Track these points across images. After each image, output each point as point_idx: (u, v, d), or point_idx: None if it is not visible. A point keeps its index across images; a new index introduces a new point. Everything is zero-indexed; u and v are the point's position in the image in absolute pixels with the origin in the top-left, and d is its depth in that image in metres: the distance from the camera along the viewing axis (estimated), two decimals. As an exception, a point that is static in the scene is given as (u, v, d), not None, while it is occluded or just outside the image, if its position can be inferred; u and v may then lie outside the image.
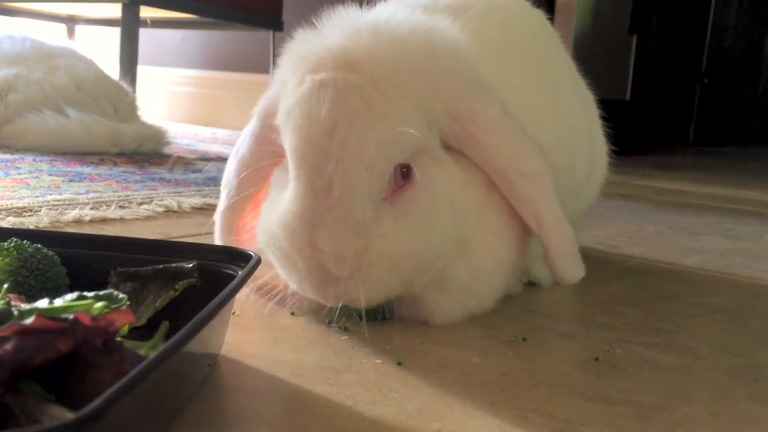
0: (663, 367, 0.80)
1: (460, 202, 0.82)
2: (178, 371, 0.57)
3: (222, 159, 2.46)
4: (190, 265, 0.72)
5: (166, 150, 2.55)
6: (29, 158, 2.07)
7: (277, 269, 0.83)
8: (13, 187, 1.60)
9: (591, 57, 3.53)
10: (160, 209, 1.50)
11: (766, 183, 3.25)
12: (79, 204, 1.45)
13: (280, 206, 0.80)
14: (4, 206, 1.36)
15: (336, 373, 0.71)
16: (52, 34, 3.73)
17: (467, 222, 0.83)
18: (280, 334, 0.82)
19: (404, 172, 0.79)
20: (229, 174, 0.95)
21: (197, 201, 1.61)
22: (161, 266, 0.73)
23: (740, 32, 5.99)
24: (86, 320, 0.49)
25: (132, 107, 2.64)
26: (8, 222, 1.25)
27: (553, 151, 0.89)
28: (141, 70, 2.91)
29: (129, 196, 1.60)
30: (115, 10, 2.98)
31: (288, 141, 0.79)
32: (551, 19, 1.19)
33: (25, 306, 0.55)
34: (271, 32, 3.49)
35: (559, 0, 3.46)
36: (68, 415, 0.43)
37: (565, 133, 1.03)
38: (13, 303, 0.57)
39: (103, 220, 1.36)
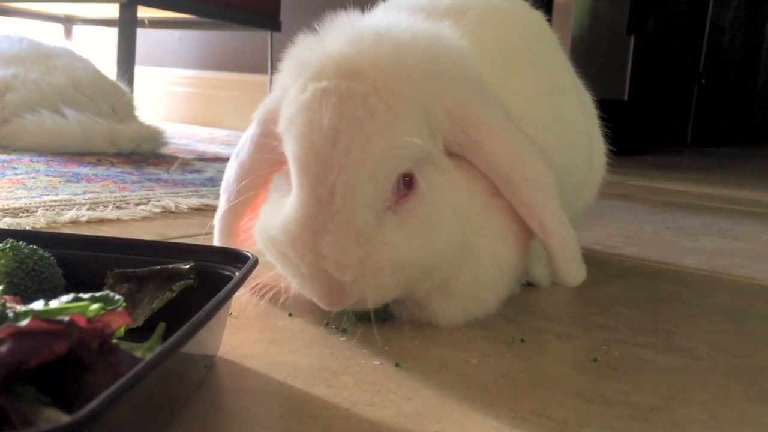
0: (661, 368, 0.80)
1: (463, 208, 0.82)
2: (174, 373, 0.57)
3: (220, 159, 2.45)
4: (187, 267, 0.72)
5: (164, 150, 2.55)
6: (26, 158, 2.07)
7: (279, 269, 0.83)
8: (9, 187, 1.60)
9: (589, 57, 3.53)
10: (158, 210, 1.49)
11: (764, 183, 3.25)
12: (76, 204, 1.44)
13: (281, 212, 0.80)
14: (1, 207, 1.36)
15: (334, 375, 0.71)
16: (50, 35, 3.73)
17: (471, 227, 0.83)
18: (278, 335, 0.82)
19: (407, 181, 0.79)
20: (229, 178, 0.95)
21: (195, 202, 1.60)
22: (158, 267, 0.73)
23: (738, 32, 6.00)
24: (82, 322, 0.48)
25: (129, 107, 2.64)
26: (5, 223, 1.24)
27: (553, 152, 0.89)
28: (138, 70, 2.91)
29: (126, 196, 1.60)
30: (113, 11, 2.98)
31: (290, 149, 0.79)
32: (549, 20, 1.19)
33: (20, 308, 0.54)
34: (268, 32, 3.49)
35: (557, 0, 3.46)
36: (64, 418, 0.43)
37: (564, 134, 1.03)
38: (8, 305, 0.57)
39: (100, 221, 1.36)
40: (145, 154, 2.40)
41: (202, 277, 0.72)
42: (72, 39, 3.87)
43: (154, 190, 1.72)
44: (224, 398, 0.65)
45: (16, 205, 1.39)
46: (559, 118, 1.04)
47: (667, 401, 0.70)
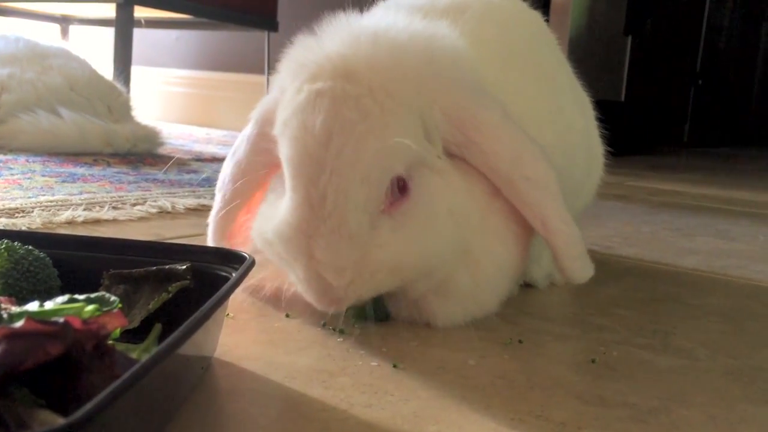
0: (659, 369, 0.79)
1: (461, 209, 0.82)
2: (171, 374, 0.57)
3: (217, 160, 2.45)
4: (184, 267, 0.72)
5: (161, 150, 2.54)
6: (22, 159, 2.06)
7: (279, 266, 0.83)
8: (5, 187, 1.59)
9: (586, 58, 3.53)
10: (154, 210, 1.49)
11: (761, 184, 3.26)
12: (72, 205, 1.44)
13: (276, 215, 0.80)
14: (-3, 207, 1.36)
15: (331, 376, 0.71)
16: (46, 34, 3.72)
17: (469, 229, 0.82)
18: (275, 336, 0.82)
19: (401, 185, 0.79)
20: (225, 176, 0.94)
21: (191, 202, 1.60)
22: (154, 268, 0.72)
23: (735, 33, 6.01)
24: (77, 323, 0.48)
25: (126, 107, 2.63)
26: (0, 223, 1.24)
27: (553, 152, 0.89)
28: (135, 70, 2.90)
29: (122, 197, 1.60)
30: (109, 10, 2.97)
31: (284, 152, 0.78)
32: (546, 20, 1.19)
33: (15, 309, 0.54)
34: (265, 33, 3.49)
35: (555, 1, 3.47)
36: (58, 420, 0.43)
37: (564, 134, 1.03)
38: (3, 306, 0.57)
39: (96, 221, 1.35)
40: (141, 154, 2.39)
41: (199, 278, 0.71)
42: (68, 39, 3.86)
43: (150, 191, 1.72)
44: (221, 400, 0.64)
45: (12, 205, 1.39)
46: (559, 118, 1.03)
47: (666, 402, 0.70)
